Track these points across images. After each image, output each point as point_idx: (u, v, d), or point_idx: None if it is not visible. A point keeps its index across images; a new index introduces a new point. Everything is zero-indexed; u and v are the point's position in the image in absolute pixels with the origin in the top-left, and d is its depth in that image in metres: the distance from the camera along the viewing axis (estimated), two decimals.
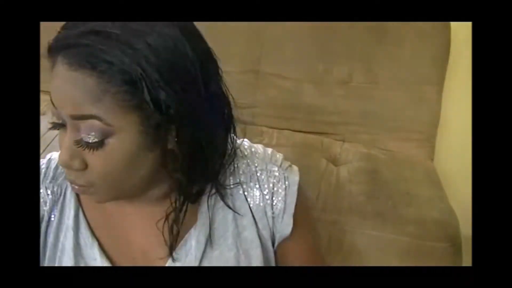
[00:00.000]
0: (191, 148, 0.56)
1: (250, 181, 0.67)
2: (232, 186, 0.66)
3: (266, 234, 0.67)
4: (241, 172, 0.67)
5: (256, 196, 0.66)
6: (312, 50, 1.55)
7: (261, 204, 0.66)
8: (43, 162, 0.67)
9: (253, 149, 0.70)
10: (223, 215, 0.66)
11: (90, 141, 0.52)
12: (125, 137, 0.53)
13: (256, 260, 0.66)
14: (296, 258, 0.70)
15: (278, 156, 0.70)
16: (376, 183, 1.26)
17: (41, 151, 1.37)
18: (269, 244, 0.68)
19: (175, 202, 0.61)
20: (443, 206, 1.20)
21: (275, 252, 0.70)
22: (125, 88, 0.50)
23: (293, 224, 0.67)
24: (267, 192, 0.67)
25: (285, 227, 0.67)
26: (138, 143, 0.54)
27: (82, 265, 0.63)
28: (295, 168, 0.70)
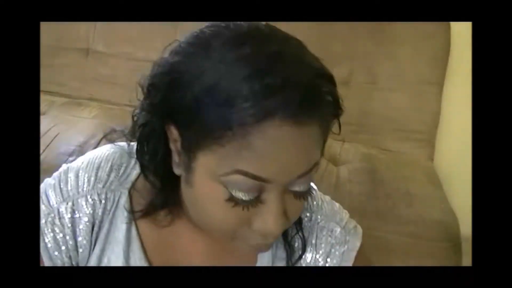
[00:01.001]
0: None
1: (309, 237, 0.61)
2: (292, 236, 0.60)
3: None
4: (303, 225, 0.60)
5: (310, 254, 0.61)
6: (312, 50, 1.55)
7: (314, 263, 0.61)
8: (92, 164, 0.58)
9: (319, 202, 0.63)
10: (281, 253, 0.61)
11: (307, 189, 0.49)
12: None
13: None
14: None
15: (344, 214, 0.64)
16: (376, 183, 1.26)
17: (41, 151, 1.37)
18: None
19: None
20: (443, 206, 1.20)
21: None
22: (326, 123, 0.49)
23: None
24: (323, 252, 0.61)
25: None
26: None
27: None
28: (359, 230, 0.64)
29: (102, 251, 0.58)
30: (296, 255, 0.60)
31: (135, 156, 0.55)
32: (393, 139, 1.54)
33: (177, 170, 0.51)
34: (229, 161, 0.45)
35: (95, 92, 1.69)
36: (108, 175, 0.57)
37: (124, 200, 0.57)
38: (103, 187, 0.57)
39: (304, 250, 0.60)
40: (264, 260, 0.60)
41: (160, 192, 0.55)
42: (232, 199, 0.46)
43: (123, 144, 0.59)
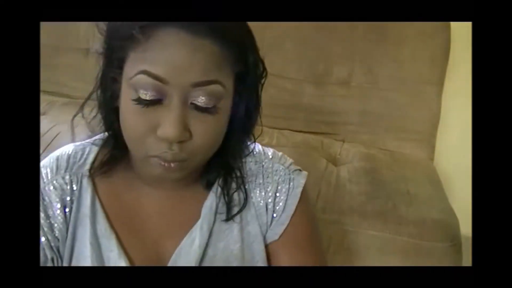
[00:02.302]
0: (248, 125, 0.63)
1: (256, 179, 0.68)
2: (238, 180, 0.67)
3: (264, 230, 0.68)
4: (248, 168, 0.69)
5: (259, 192, 0.68)
6: (312, 50, 1.55)
7: (263, 201, 0.68)
8: (51, 157, 0.67)
9: (263, 150, 0.72)
10: (221, 217, 0.67)
11: (210, 106, 0.55)
12: (226, 103, 0.57)
13: (258, 254, 0.67)
14: (285, 256, 0.69)
15: (287, 159, 0.72)
16: (376, 183, 1.26)
17: (41, 151, 1.37)
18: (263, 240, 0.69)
19: (225, 181, 0.66)
20: (443, 206, 1.20)
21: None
22: (237, 54, 0.56)
23: (288, 226, 0.67)
24: (270, 189, 0.68)
25: (278, 226, 0.68)
26: (229, 110, 0.59)
27: (98, 255, 0.63)
28: (304, 173, 0.71)
29: (74, 228, 0.64)
30: (236, 209, 0.67)
31: (91, 144, 0.67)
32: (393, 139, 1.53)
33: (116, 103, 0.60)
34: (136, 64, 0.54)
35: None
36: (67, 162, 0.66)
37: (86, 180, 0.65)
38: (65, 171, 0.65)
39: (245, 205, 0.67)
40: (207, 211, 0.66)
41: (113, 145, 0.65)
42: (138, 99, 0.54)
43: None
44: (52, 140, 1.34)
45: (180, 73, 0.53)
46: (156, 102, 0.54)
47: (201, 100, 0.54)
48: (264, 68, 0.63)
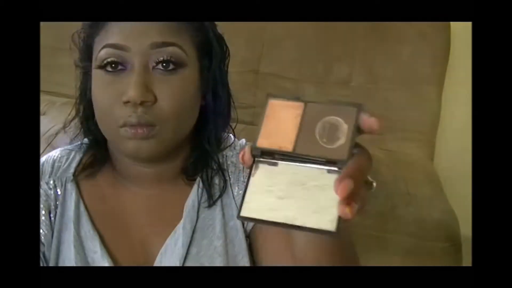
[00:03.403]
0: (219, 108, 0.65)
1: (237, 173, 0.69)
2: (218, 171, 0.68)
3: (245, 224, 0.68)
4: (229, 162, 0.69)
5: (240, 186, 0.68)
6: (312, 50, 1.55)
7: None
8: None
9: (244, 144, 0.72)
10: (204, 205, 0.67)
11: (171, 68, 0.58)
12: (191, 72, 0.61)
13: (241, 248, 0.67)
14: (265, 242, 0.67)
15: None
16: (376, 183, 1.26)
17: (41, 151, 1.37)
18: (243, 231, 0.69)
19: (206, 173, 0.67)
20: (443, 206, 1.20)
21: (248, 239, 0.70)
22: (196, 25, 0.61)
23: None
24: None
25: None
26: (196, 83, 0.62)
27: (82, 257, 0.64)
28: None
29: (60, 232, 0.65)
30: (217, 194, 0.67)
31: (74, 143, 0.69)
32: (393, 139, 1.53)
33: None
34: (100, 44, 0.60)
35: None
36: (52, 167, 0.67)
37: (70, 184, 0.66)
38: (49, 176, 0.67)
39: (225, 188, 0.68)
40: (189, 209, 0.66)
41: (95, 147, 0.67)
42: (103, 66, 0.59)
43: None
44: (52, 140, 1.34)
45: (138, 37, 0.58)
46: (120, 71, 0.59)
47: (161, 60, 0.58)
48: (226, 46, 0.66)
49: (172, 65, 0.59)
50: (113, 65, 0.59)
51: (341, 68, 1.56)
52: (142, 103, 0.57)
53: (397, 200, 1.19)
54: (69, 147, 0.71)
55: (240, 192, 0.68)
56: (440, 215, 1.16)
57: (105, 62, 0.59)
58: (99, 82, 0.60)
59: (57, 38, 1.78)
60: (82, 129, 0.68)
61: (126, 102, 0.58)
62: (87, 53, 0.64)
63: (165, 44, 0.58)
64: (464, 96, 1.16)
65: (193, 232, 0.66)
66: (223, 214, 0.68)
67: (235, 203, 0.68)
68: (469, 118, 0.54)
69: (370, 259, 1.12)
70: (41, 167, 0.67)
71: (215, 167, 0.68)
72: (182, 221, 0.66)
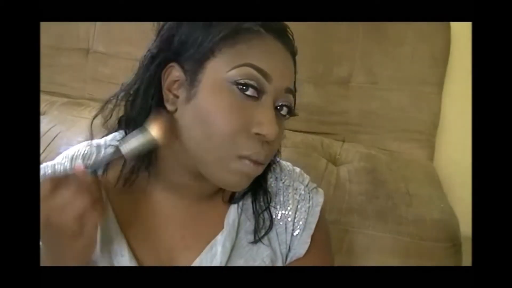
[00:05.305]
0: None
1: (276, 196, 0.67)
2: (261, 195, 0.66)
3: (283, 249, 0.67)
4: (267, 185, 0.67)
5: (280, 211, 0.67)
6: (312, 50, 1.55)
7: (283, 219, 0.67)
8: (66, 156, 0.65)
9: (282, 165, 0.70)
10: (249, 225, 0.65)
11: (284, 113, 0.58)
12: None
13: None
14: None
15: (305, 176, 0.71)
16: (376, 183, 1.26)
17: (41, 151, 1.37)
18: (283, 259, 0.67)
19: (256, 201, 0.65)
20: (443, 206, 1.20)
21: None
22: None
23: (310, 243, 0.66)
24: (291, 209, 0.67)
25: (301, 245, 0.66)
26: None
27: (108, 259, 0.61)
28: (320, 190, 0.70)
29: None
30: (263, 231, 0.65)
31: (107, 143, 0.64)
32: (393, 139, 1.54)
33: (171, 106, 0.57)
34: (234, 59, 0.54)
35: (95, 92, 1.69)
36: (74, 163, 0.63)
37: None
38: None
39: (271, 227, 0.65)
40: (230, 227, 0.64)
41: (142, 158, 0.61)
42: (242, 85, 0.54)
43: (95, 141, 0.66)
44: (52, 140, 1.34)
45: (280, 75, 0.56)
46: (253, 98, 0.55)
47: (285, 105, 0.58)
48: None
49: (287, 112, 0.59)
50: (253, 89, 0.54)
51: (341, 68, 1.57)
52: (276, 137, 0.55)
53: (397, 200, 1.19)
54: (97, 140, 0.66)
55: (279, 217, 0.67)
56: (440, 215, 1.16)
57: (246, 82, 0.54)
58: (229, 100, 0.54)
59: (57, 38, 1.79)
60: (131, 124, 0.60)
61: (257, 135, 0.54)
62: (192, 62, 0.56)
63: (292, 91, 0.59)
64: (464, 96, 1.16)
65: (231, 250, 0.63)
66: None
67: (275, 228, 0.66)
68: (469, 118, 0.54)
69: (370, 259, 1.13)
70: (69, 162, 0.64)
71: (263, 193, 0.66)
72: (222, 237, 0.63)
